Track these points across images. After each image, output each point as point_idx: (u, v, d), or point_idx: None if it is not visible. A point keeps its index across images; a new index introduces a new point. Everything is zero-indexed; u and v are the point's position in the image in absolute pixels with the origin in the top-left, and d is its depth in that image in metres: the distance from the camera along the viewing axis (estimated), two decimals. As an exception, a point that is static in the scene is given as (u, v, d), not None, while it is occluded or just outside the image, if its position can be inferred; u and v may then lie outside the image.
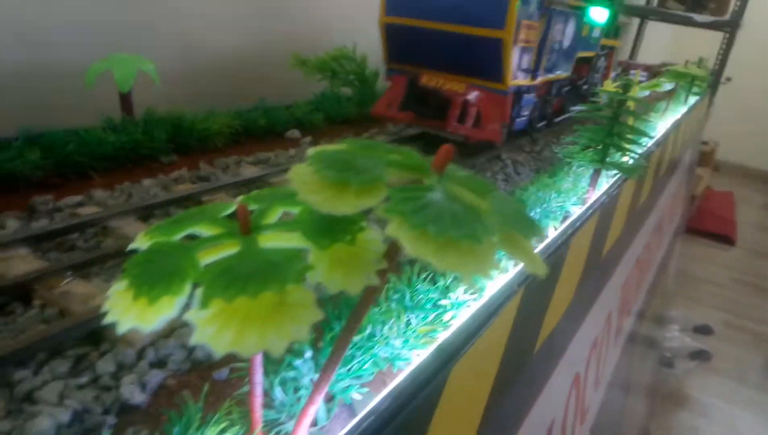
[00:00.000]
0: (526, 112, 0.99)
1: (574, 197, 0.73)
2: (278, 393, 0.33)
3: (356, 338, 0.37)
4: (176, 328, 0.40)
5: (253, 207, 0.28)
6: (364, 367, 0.36)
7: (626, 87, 0.73)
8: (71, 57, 0.83)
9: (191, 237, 0.26)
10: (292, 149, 0.87)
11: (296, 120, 0.99)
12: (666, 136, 1.28)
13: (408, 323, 0.41)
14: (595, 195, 0.76)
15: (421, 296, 0.43)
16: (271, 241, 0.25)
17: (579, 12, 1.08)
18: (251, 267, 0.22)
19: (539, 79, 0.97)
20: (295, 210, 0.28)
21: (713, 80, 2.82)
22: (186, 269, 0.23)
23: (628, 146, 0.74)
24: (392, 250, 0.25)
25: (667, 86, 1.34)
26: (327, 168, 0.23)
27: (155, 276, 0.23)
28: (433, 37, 0.85)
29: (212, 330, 0.20)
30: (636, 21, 3.62)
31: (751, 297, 2.97)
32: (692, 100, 1.70)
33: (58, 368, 0.35)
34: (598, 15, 1.08)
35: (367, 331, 0.38)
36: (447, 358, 0.37)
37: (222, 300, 0.21)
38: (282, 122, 0.96)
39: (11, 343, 0.35)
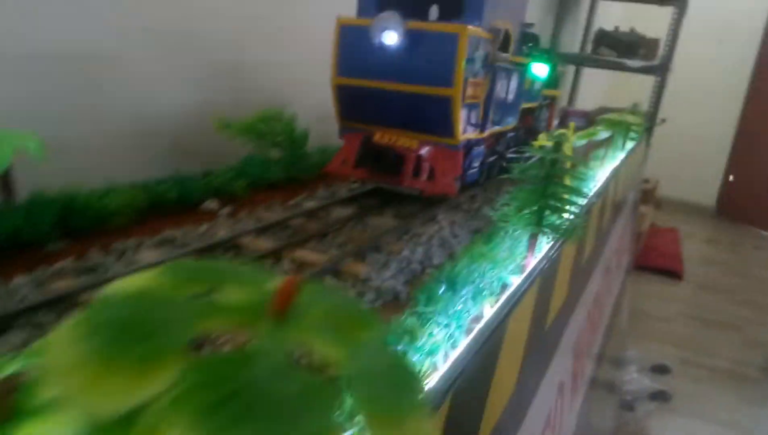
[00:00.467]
0: (476, 164, 1.03)
1: (511, 265, 0.68)
2: None
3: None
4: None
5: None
6: None
7: (558, 144, 0.69)
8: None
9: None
10: (205, 224, 0.79)
11: (214, 189, 0.92)
12: (607, 184, 1.26)
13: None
14: (533, 261, 0.70)
15: None
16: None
17: (521, 67, 1.12)
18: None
19: (487, 132, 1.01)
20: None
21: (649, 122, 2.90)
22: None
23: (564, 207, 0.69)
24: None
25: (604, 134, 1.34)
26: (98, 331, 0.15)
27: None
28: (384, 96, 0.89)
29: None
30: (572, 68, 3.73)
31: (703, 331, 2.99)
32: (630, 144, 1.71)
33: None
34: (539, 70, 1.16)
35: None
36: None
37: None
38: (197, 193, 0.88)
39: None
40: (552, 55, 1.20)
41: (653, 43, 3.38)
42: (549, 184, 0.68)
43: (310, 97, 1.45)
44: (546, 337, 0.74)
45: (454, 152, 0.91)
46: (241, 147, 1.09)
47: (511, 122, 1.15)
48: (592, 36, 3.62)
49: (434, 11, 0.95)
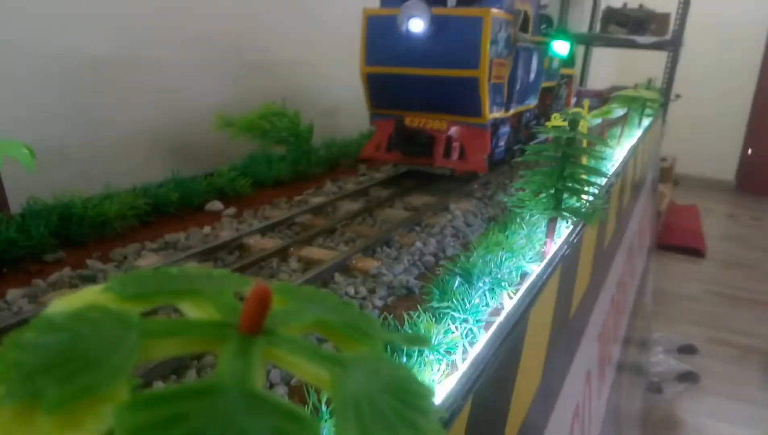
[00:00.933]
0: (502, 143, 1.06)
1: (530, 253, 0.64)
2: None
3: None
4: None
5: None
6: None
7: (574, 122, 0.65)
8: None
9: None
10: (207, 226, 0.76)
11: (218, 189, 0.89)
12: (625, 163, 1.21)
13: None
14: (553, 247, 0.66)
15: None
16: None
17: (541, 46, 1.17)
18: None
19: (512, 111, 1.05)
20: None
21: (663, 98, 2.83)
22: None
23: (584, 188, 0.65)
24: None
25: (619, 112, 1.29)
26: (16, 366, 0.12)
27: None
28: (412, 81, 0.92)
29: None
30: (581, 49, 3.66)
31: (728, 308, 2.93)
32: (646, 121, 1.66)
33: None
34: (560, 48, 1.20)
35: None
36: None
37: None
38: (200, 194, 0.85)
39: None
40: (570, 33, 1.23)
41: (663, 18, 3.28)
42: (566, 165, 0.64)
43: (313, 91, 1.43)
44: (570, 326, 0.71)
45: (483, 131, 0.94)
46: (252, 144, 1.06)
47: (532, 101, 1.19)
48: (600, 14, 3.53)
49: None
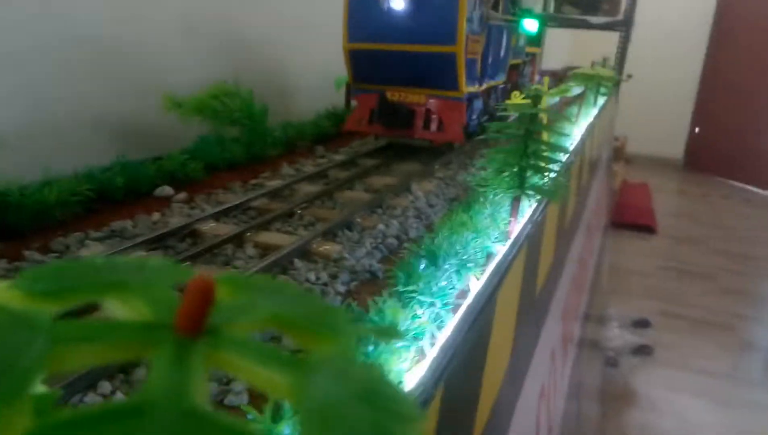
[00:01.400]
0: (475, 116, 1.10)
1: (495, 232, 0.62)
2: None
3: None
4: None
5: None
6: None
7: (536, 98, 0.63)
8: None
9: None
10: (156, 213, 0.72)
11: (168, 174, 0.84)
12: (583, 142, 1.21)
13: None
14: (518, 226, 0.65)
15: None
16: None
17: (511, 25, 1.23)
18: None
19: (484, 86, 1.10)
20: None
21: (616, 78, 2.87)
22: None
23: (546, 165, 0.64)
24: None
25: (576, 90, 1.29)
26: None
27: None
28: (393, 57, 0.97)
29: None
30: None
31: (679, 282, 3.02)
32: (601, 100, 1.67)
33: None
34: (531, 25, 1.25)
35: None
36: None
37: None
38: (148, 178, 0.80)
39: None
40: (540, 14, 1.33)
41: (615, -1, 3.32)
42: (529, 142, 0.63)
43: (268, 72, 1.38)
44: (536, 305, 0.70)
45: (460, 104, 0.99)
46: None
47: (501, 77, 1.25)
48: (553, -5, 3.55)
49: None
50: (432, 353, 0.40)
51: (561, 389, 0.96)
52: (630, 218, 3.75)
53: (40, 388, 0.11)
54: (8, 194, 0.64)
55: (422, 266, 0.50)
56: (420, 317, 0.44)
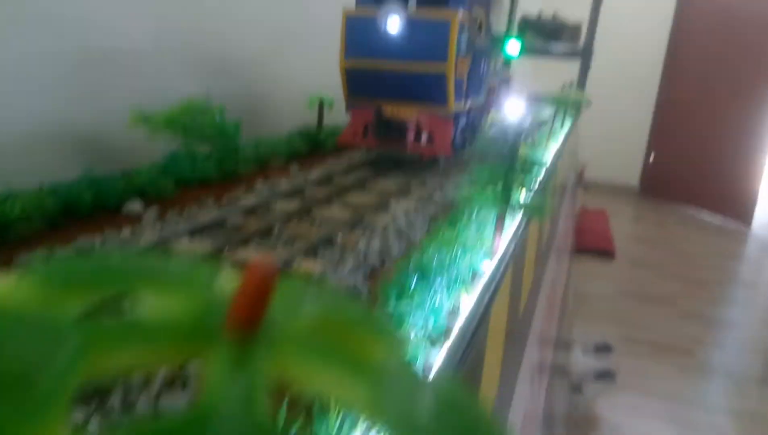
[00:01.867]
0: (460, 131, 1.16)
1: (482, 249, 0.61)
2: None
3: None
4: None
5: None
6: None
7: (522, 117, 0.63)
8: None
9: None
10: (127, 229, 0.68)
11: (137, 189, 0.80)
12: (555, 164, 1.23)
13: None
14: (503, 243, 0.64)
15: None
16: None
17: (491, 50, 1.31)
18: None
19: (468, 104, 1.17)
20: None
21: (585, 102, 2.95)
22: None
23: (531, 182, 0.64)
24: None
25: (546, 113, 1.31)
26: None
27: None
28: (386, 75, 1.03)
29: None
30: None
31: (640, 307, 3.08)
32: (567, 125, 1.70)
33: None
34: (513, 48, 1.36)
35: None
36: None
37: None
38: (117, 193, 0.77)
39: None
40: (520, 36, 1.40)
41: (575, 28, 3.44)
42: (514, 159, 0.62)
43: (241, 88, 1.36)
44: (520, 325, 0.69)
45: (448, 120, 1.05)
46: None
47: (482, 97, 1.32)
48: (516, 23, 3.65)
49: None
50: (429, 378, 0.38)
51: (538, 416, 0.95)
52: (589, 243, 3.82)
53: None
54: (-35, 208, 0.60)
55: (413, 283, 0.48)
56: (413, 339, 0.42)
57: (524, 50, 1.40)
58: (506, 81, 1.65)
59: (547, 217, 0.96)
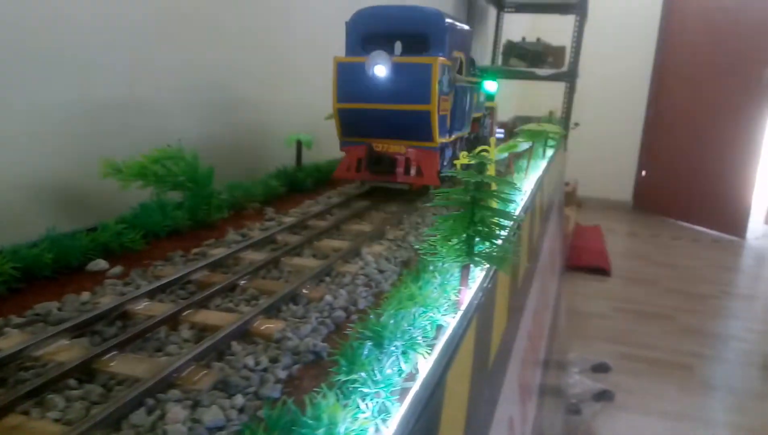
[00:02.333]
0: (446, 162, 1.26)
1: (445, 304, 0.60)
2: None
3: None
4: None
5: None
6: None
7: (481, 166, 0.62)
8: None
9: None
10: (87, 292, 0.67)
11: (102, 245, 0.79)
12: (533, 195, 1.22)
13: None
14: (468, 295, 0.63)
15: None
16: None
17: (473, 85, 1.43)
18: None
19: (453, 137, 1.27)
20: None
21: (563, 128, 2.96)
22: None
23: (495, 232, 0.63)
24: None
25: (524, 145, 1.32)
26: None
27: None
28: (376, 115, 1.13)
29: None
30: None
31: (636, 324, 3.05)
32: (550, 152, 1.70)
33: None
34: (491, 86, 1.55)
35: None
36: None
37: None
38: (80, 252, 0.76)
39: None
40: (497, 74, 1.56)
41: (560, 51, 3.47)
42: (476, 210, 0.61)
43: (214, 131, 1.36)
44: (491, 376, 0.67)
45: (434, 153, 1.15)
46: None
47: (466, 129, 1.41)
48: (501, 48, 3.68)
49: (398, 46, 1.19)
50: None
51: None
52: (584, 261, 3.81)
53: None
54: None
55: (366, 351, 0.47)
56: (363, 412, 0.41)
57: (499, 89, 1.56)
58: (491, 110, 1.76)
59: (519, 259, 0.95)
